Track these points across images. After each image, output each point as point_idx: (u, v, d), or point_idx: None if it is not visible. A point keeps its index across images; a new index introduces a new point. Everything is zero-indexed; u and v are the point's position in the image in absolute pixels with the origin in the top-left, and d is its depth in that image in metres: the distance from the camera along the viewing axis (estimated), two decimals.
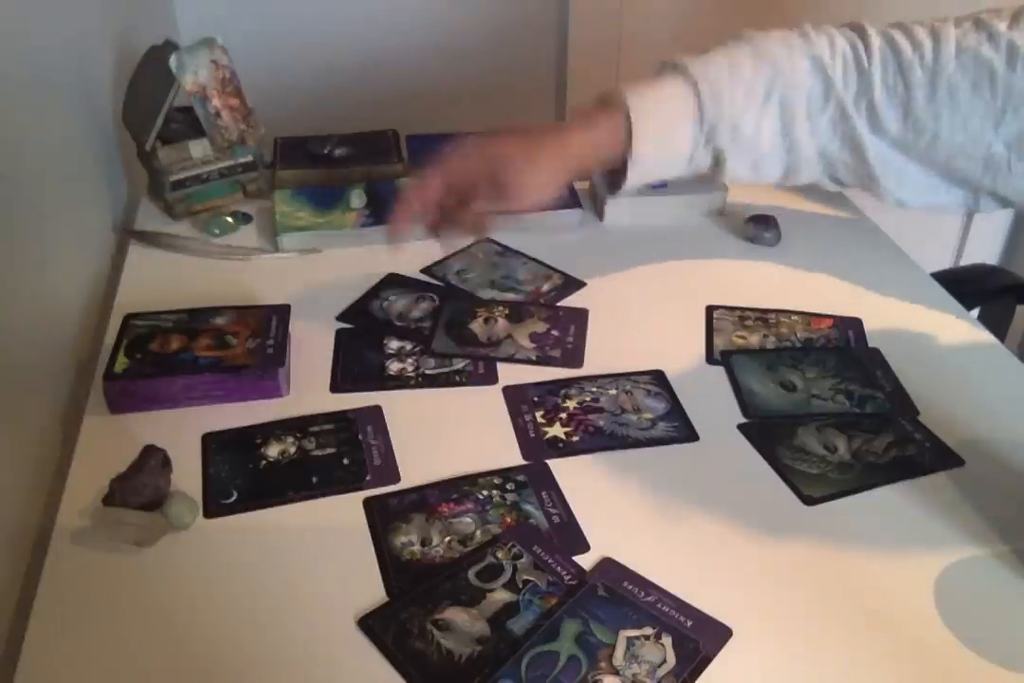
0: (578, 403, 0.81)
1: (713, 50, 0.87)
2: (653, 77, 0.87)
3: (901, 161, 0.85)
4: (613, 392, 0.83)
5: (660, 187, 1.11)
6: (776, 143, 0.85)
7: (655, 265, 1.02)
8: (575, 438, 0.78)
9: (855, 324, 0.92)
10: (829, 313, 0.94)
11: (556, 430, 0.78)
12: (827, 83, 0.83)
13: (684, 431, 0.79)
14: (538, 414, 0.80)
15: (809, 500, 0.72)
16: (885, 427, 0.79)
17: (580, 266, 1.01)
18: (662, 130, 0.84)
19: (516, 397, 0.82)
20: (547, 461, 0.75)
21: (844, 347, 0.89)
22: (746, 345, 0.89)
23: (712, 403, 0.82)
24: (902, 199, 0.88)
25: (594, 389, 0.83)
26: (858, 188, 0.91)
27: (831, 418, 0.80)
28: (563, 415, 0.80)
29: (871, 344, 0.90)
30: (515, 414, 0.80)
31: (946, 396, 0.83)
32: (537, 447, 0.77)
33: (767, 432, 0.78)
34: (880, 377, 0.85)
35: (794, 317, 0.93)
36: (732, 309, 0.94)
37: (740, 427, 0.79)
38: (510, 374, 0.85)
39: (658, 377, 0.85)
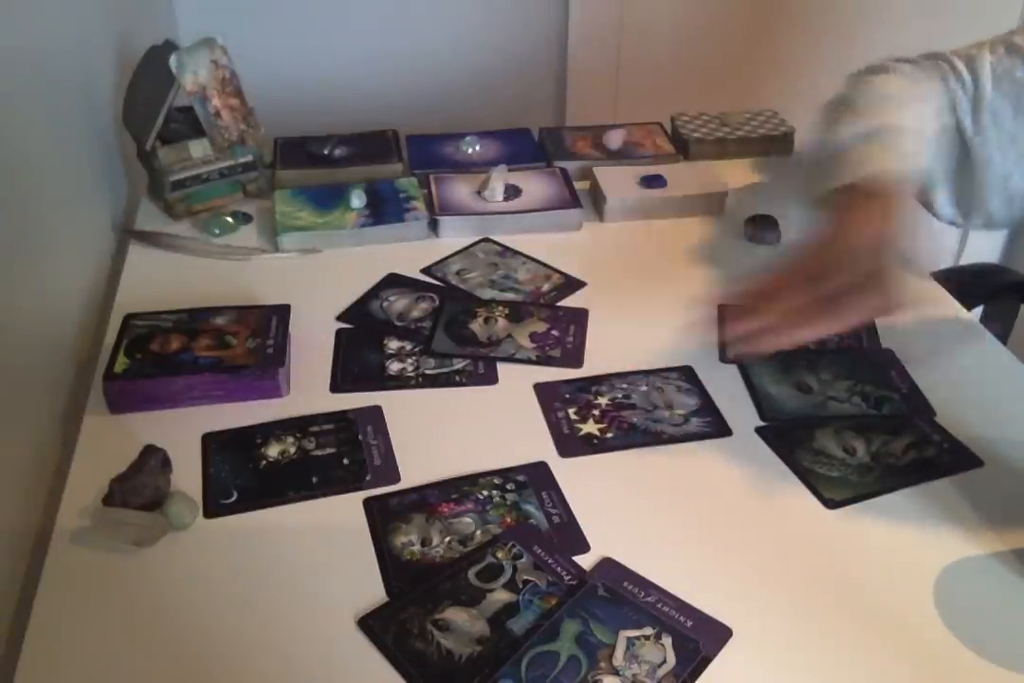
0: (610, 399, 0.82)
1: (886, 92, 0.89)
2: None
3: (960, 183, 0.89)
4: (644, 388, 0.83)
5: (659, 185, 1.11)
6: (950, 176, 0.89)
7: (655, 265, 1.02)
8: (609, 434, 0.78)
9: (867, 323, 0.92)
10: None
11: (590, 427, 0.79)
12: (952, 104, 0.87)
13: (717, 426, 0.79)
14: (571, 411, 0.80)
15: (831, 504, 0.71)
16: (902, 429, 0.79)
17: (580, 266, 1.01)
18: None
19: (548, 394, 0.82)
20: (574, 458, 0.75)
21: (858, 348, 0.89)
22: None
23: (722, 404, 0.82)
24: (1004, 216, 0.92)
25: (624, 386, 0.83)
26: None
27: (848, 420, 0.80)
28: (596, 412, 0.80)
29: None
30: (548, 411, 0.80)
31: (952, 396, 0.82)
32: (572, 444, 0.77)
33: (785, 435, 0.78)
34: (895, 378, 0.85)
35: None
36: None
37: (758, 430, 0.79)
38: (510, 374, 0.85)
39: (687, 373, 0.85)
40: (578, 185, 1.14)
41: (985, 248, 2.17)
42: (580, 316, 0.94)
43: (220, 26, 1.16)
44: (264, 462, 0.75)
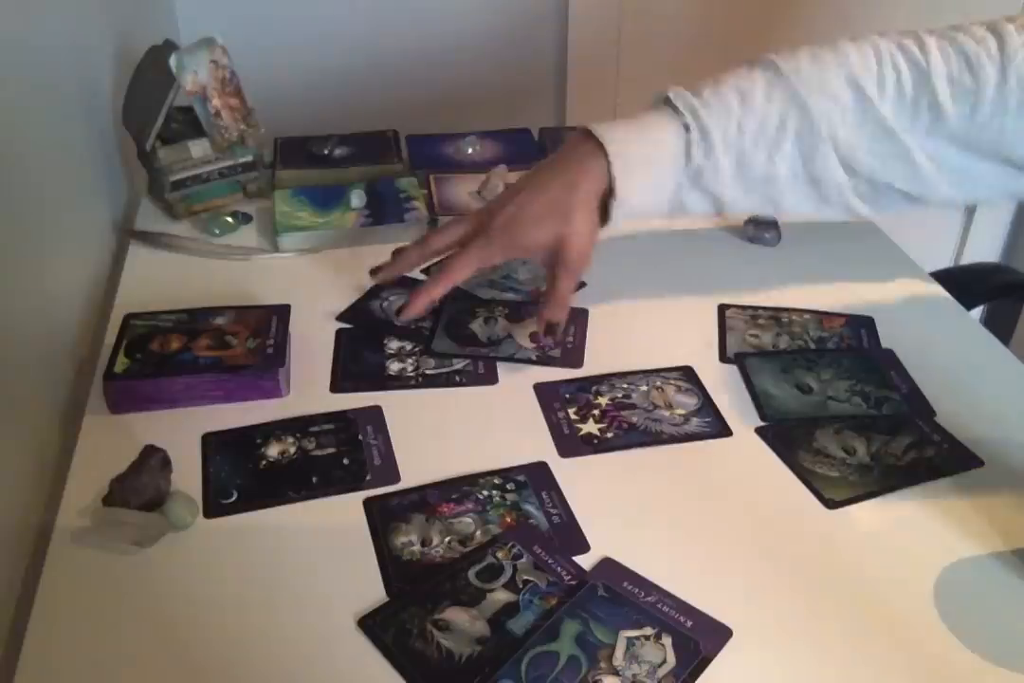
0: (610, 399, 0.82)
1: (723, 77, 0.83)
2: (645, 111, 0.83)
3: (959, 158, 0.81)
4: (644, 388, 0.83)
5: None
6: (799, 176, 0.81)
7: (655, 265, 1.02)
8: (609, 434, 0.78)
9: (867, 323, 0.92)
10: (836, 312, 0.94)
11: (590, 427, 0.79)
12: (862, 99, 0.79)
13: (717, 426, 0.79)
14: (571, 411, 0.80)
15: (831, 504, 0.71)
16: (902, 429, 0.79)
17: None
18: (645, 174, 0.81)
19: (548, 394, 0.82)
20: (574, 458, 0.75)
21: (858, 348, 0.89)
22: (759, 344, 0.89)
23: (722, 404, 0.82)
24: (951, 196, 0.84)
25: (625, 385, 0.83)
26: (903, 203, 0.85)
27: (848, 420, 0.80)
28: (596, 412, 0.80)
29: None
30: (548, 411, 0.80)
31: (952, 396, 0.82)
32: (573, 444, 0.77)
33: (785, 435, 0.78)
34: (895, 378, 0.84)
35: (806, 316, 0.93)
36: (744, 308, 0.94)
37: (758, 430, 0.79)
38: (510, 374, 0.85)
39: (687, 373, 0.85)
40: None
41: (985, 248, 2.17)
42: (580, 316, 0.93)
43: (220, 26, 1.16)
44: (264, 462, 0.75)
